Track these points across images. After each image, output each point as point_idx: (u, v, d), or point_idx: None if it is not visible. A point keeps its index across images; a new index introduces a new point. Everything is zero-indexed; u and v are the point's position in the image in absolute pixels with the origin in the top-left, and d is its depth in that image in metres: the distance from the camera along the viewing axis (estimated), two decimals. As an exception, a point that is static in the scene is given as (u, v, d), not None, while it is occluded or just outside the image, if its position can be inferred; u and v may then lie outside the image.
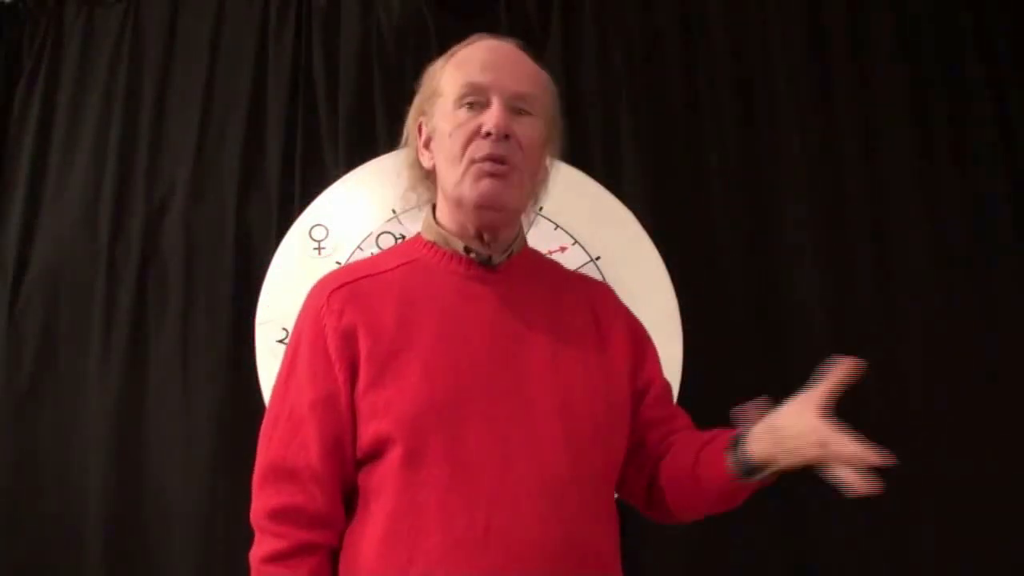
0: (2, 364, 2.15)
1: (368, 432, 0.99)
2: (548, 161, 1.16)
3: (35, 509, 2.07)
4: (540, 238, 1.88)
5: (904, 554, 1.95)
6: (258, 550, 1.00)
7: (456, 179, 1.05)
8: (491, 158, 1.03)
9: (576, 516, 0.98)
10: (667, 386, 1.20)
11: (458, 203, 1.07)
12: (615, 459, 1.09)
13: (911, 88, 2.15)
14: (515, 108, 1.05)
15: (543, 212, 1.90)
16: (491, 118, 1.03)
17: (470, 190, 1.04)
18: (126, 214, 2.20)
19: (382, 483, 0.98)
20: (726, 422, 1.99)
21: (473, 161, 1.04)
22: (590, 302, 1.15)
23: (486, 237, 1.09)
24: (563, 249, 1.88)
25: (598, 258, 1.87)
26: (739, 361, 2.03)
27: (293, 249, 2.02)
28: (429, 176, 1.14)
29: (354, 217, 2.02)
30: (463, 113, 1.05)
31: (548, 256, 1.26)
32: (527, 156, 1.06)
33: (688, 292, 1.92)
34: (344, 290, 1.06)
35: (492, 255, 1.09)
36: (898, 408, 2.00)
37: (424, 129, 1.12)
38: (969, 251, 2.07)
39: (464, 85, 1.06)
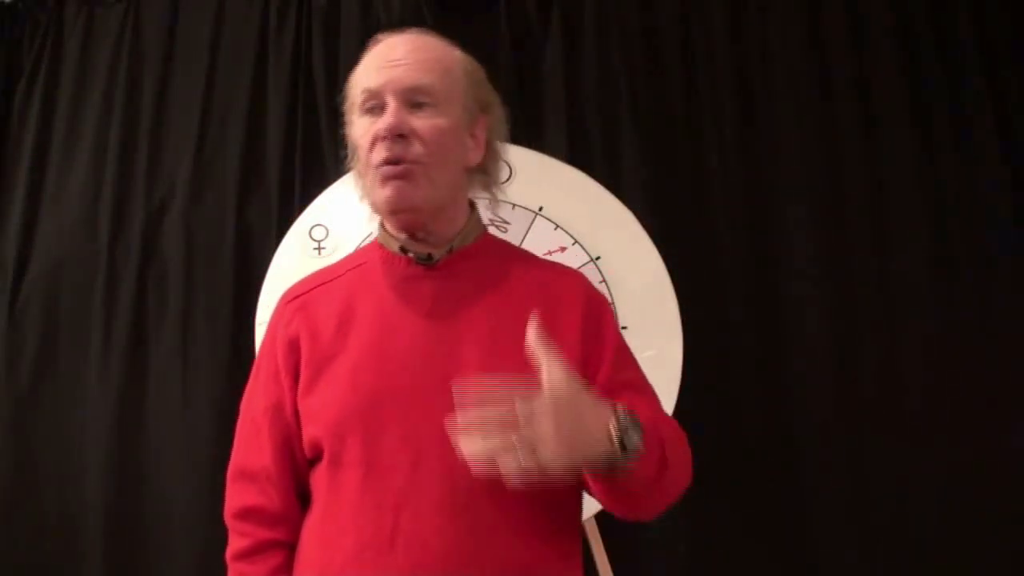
0: (2, 364, 2.15)
1: (306, 437, 1.03)
2: (486, 138, 1.11)
3: (35, 509, 2.07)
4: (540, 238, 1.88)
5: (904, 555, 1.95)
6: (229, 548, 1.06)
7: (368, 188, 1.06)
8: (386, 162, 1.02)
9: (494, 525, 0.94)
10: (618, 379, 1.06)
11: (378, 210, 1.08)
12: None
13: (911, 88, 2.15)
14: (413, 103, 1.04)
15: (543, 212, 1.90)
16: (382, 121, 1.02)
17: (378, 198, 1.04)
18: (126, 214, 2.20)
19: (317, 485, 1.03)
20: (726, 421, 2.00)
21: (375, 167, 1.03)
22: (548, 294, 1.08)
23: (420, 235, 1.07)
24: (563, 249, 1.88)
25: (598, 258, 1.87)
26: (739, 361, 2.03)
27: (293, 249, 2.01)
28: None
29: (354, 217, 2.00)
30: (365, 120, 1.05)
31: (517, 246, 1.22)
32: (432, 149, 1.03)
33: (688, 292, 1.92)
34: (298, 301, 1.10)
35: (432, 252, 1.07)
36: (897, 407, 2.01)
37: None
38: (969, 251, 2.07)
39: (361, 92, 1.05)
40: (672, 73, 2.19)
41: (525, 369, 0.95)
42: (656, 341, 1.77)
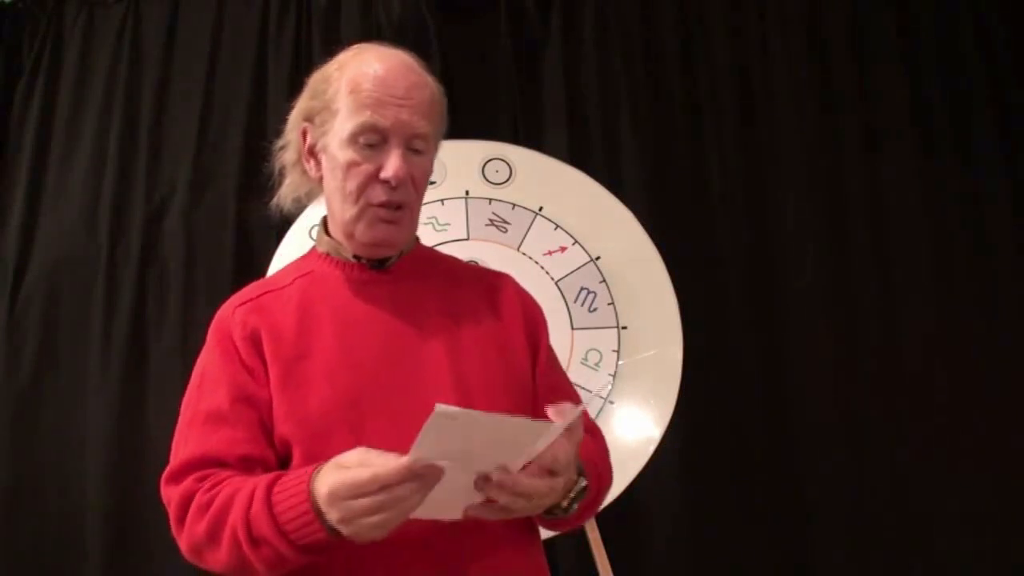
0: (2, 364, 2.15)
1: (276, 436, 1.01)
2: None
3: (35, 508, 2.07)
4: (540, 238, 1.87)
5: (904, 554, 1.95)
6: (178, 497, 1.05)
7: (351, 217, 1.06)
8: (388, 204, 1.04)
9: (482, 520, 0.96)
10: (554, 359, 1.18)
11: (350, 236, 1.08)
12: None
13: (911, 88, 2.15)
14: (412, 148, 1.05)
15: (543, 212, 1.90)
16: (391, 167, 1.02)
17: (364, 232, 1.06)
18: (126, 214, 2.20)
19: None
20: (726, 421, 2.00)
21: (369, 204, 1.04)
22: (487, 291, 1.15)
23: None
24: (563, 249, 1.88)
25: (598, 258, 1.87)
26: (739, 361, 2.04)
27: (293, 249, 2.01)
28: (309, 178, 1.13)
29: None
30: (359, 152, 1.04)
31: (444, 253, 1.25)
32: (420, 191, 1.08)
33: (688, 292, 1.93)
34: (248, 305, 1.09)
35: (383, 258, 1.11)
36: (898, 407, 2.01)
37: (309, 136, 1.11)
38: (969, 250, 2.08)
39: (361, 125, 1.03)
40: (672, 73, 2.19)
41: (484, 358, 1.05)
42: (656, 341, 1.76)
